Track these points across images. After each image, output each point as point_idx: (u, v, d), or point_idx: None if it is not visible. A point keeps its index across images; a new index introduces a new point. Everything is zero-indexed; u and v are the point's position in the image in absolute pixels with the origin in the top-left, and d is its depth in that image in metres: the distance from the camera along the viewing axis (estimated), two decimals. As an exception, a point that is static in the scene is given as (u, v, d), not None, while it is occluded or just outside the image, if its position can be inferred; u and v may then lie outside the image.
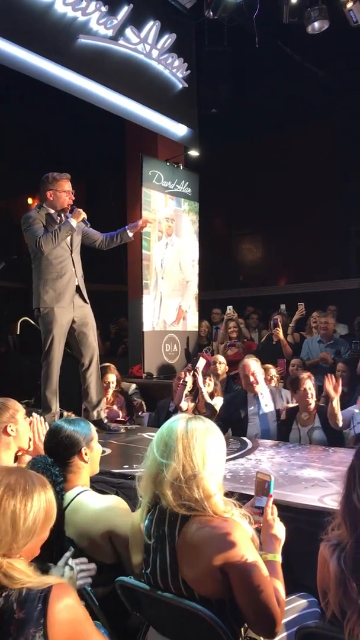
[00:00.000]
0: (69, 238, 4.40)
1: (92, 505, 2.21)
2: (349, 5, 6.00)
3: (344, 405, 4.31)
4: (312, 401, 4.39)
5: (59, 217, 4.38)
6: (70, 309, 4.41)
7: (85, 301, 4.50)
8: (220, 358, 6.07)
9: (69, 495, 2.24)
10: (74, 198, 4.42)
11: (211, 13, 6.55)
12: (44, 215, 4.36)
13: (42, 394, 4.39)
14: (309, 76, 8.06)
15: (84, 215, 4.35)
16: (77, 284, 4.45)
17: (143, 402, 5.93)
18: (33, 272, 4.43)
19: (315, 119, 9.29)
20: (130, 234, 4.68)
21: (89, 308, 4.55)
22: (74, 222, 4.30)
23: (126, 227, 4.69)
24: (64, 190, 4.36)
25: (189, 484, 1.73)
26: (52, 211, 4.38)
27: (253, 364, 4.85)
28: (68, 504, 2.22)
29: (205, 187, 8.15)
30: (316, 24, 6.22)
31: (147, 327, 7.03)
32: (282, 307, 7.40)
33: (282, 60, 7.50)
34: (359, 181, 9.64)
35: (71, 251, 4.44)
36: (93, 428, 2.46)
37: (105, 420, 4.60)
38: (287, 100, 8.44)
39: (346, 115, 9.23)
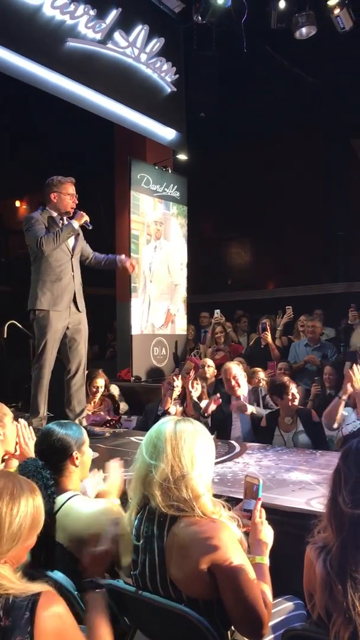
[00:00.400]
0: (71, 242, 4.41)
1: (83, 509, 2.20)
2: (336, 11, 6.06)
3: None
4: (296, 404, 4.42)
5: (61, 221, 4.38)
6: (66, 314, 4.40)
7: (80, 309, 4.49)
8: (209, 362, 6.08)
9: (59, 500, 2.23)
10: (77, 202, 4.43)
11: (200, 18, 6.59)
12: (47, 218, 4.37)
13: (32, 398, 4.37)
14: (297, 81, 8.12)
15: (86, 218, 4.36)
16: (75, 289, 4.44)
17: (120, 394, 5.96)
18: (32, 273, 4.41)
19: (303, 123, 9.34)
20: (119, 264, 4.68)
21: (84, 316, 4.55)
22: (76, 224, 4.31)
23: (116, 258, 4.67)
24: (68, 193, 4.37)
25: (177, 485, 1.74)
26: (54, 214, 4.39)
27: (235, 367, 4.86)
28: (58, 509, 2.20)
29: (194, 190, 8.17)
30: (304, 30, 6.27)
31: (135, 331, 7.03)
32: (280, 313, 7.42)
33: (271, 65, 7.55)
34: (346, 186, 9.71)
35: (72, 256, 4.44)
36: (85, 432, 2.46)
37: (88, 428, 4.55)
38: (276, 105, 8.47)
39: (334, 120, 9.29)
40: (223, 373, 4.93)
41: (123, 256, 4.73)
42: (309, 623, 1.62)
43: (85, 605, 1.73)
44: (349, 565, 1.51)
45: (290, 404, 4.35)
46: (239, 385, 4.76)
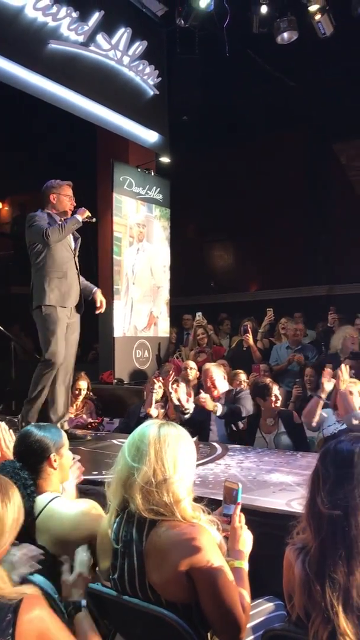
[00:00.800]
0: (72, 243, 4.44)
1: (66, 511, 2.20)
2: (317, 17, 6.11)
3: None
4: (279, 405, 4.44)
5: (60, 220, 4.39)
6: (69, 313, 4.40)
7: (78, 311, 4.50)
8: (191, 364, 6.09)
9: (39, 502, 2.22)
10: (74, 204, 4.48)
11: (182, 21, 6.59)
12: (47, 216, 4.40)
13: (36, 397, 4.31)
14: (280, 85, 8.19)
15: (88, 213, 4.43)
16: (79, 290, 4.46)
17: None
18: (35, 271, 4.38)
19: (285, 127, 9.41)
20: (93, 297, 4.69)
21: (79, 318, 4.55)
22: (79, 217, 4.37)
23: (93, 290, 4.66)
24: (66, 194, 4.44)
25: (159, 488, 1.75)
26: (54, 212, 4.40)
27: (213, 368, 4.89)
28: (40, 512, 2.19)
29: (177, 193, 8.19)
30: (285, 35, 6.32)
31: (117, 333, 7.02)
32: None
33: (253, 69, 7.60)
34: (328, 190, 9.80)
35: (74, 255, 4.47)
36: (64, 435, 2.45)
37: (70, 431, 4.51)
38: (258, 109, 8.55)
39: (316, 124, 9.38)
40: (202, 374, 4.97)
41: (100, 292, 4.71)
42: (288, 623, 1.64)
43: (75, 627, 1.77)
44: (327, 566, 1.52)
45: (272, 405, 4.38)
46: (215, 387, 4.78)
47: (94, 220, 4.53)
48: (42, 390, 4.32)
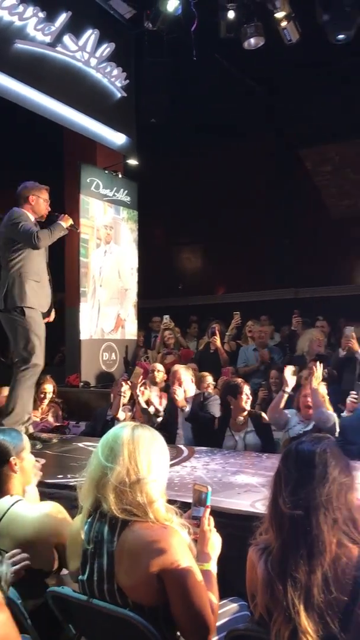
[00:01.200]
0: (44, 248, 4.37)
1: (30, 514, 2.17)
2: (283, 24, 6.19)
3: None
4: (248, 406, 4.50)
5: (35, 223, 4.33)
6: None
7: (44, 317, 4.45)
8: (159, 366, 6.08)
9: (0, 506, 2.19)
10: (50, 209, 4.44)
11: (150, 24, 6.61)
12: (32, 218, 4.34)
13: (21, 399, 4.22)
14: (247, 90, 8.26)
15: (71, 221, 4.39)
16: (50, 296, 4.42)
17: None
18: (10, 272, 4.23)
19: (252, 132, 9.49)
20: None
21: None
22: (64, 224, 4.31)
23: None
24: (45, 198, 4.40)
25: (132, 488, 1.75)
26: (31, 216, 4.34)
27: (181, 370, 4.92)
28: (1, 517, 2.17)
29: (145, 196, 8.19)
30: (252, 40, 6.37)
31: (84, 336, 6.98)
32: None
33: (221, 73, 7.65)
34: (294, 194, 9.92)
35: (46, 261, 4.42)
36: (25, 438, 2.43)
37: (35, 434, 4.44)
38: (225, 113, 8.59)
39: (284, 130, 9.49)
40: (170, 376, 5.00)
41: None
42: (251, 622, 1.65)
43: None
44: (289, 565, 1.54)
45: (242, 403, 4.44)
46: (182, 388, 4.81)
47: (78, 230, 4.50)
48: (25, 400, 4.22)
